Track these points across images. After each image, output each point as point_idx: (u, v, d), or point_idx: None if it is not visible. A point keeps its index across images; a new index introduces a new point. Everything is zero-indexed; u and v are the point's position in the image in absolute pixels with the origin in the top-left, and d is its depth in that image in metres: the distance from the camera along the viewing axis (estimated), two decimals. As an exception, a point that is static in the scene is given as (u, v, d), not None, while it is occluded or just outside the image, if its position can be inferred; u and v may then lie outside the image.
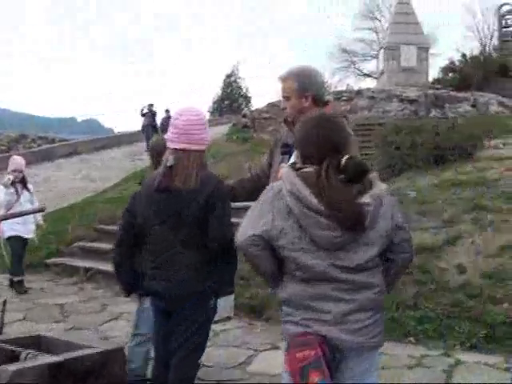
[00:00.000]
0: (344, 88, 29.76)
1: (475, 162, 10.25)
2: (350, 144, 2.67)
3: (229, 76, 50.09)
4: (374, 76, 38.39)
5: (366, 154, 13.58)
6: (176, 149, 3.33)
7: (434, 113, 19.49)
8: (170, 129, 3.39)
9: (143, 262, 3.72)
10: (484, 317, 5.66)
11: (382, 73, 26.35)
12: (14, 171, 8.23)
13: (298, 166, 2.62)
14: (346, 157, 2.50)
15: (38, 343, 3.86)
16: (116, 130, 43.58)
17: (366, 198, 2.45)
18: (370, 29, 47.43)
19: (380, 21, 46.69)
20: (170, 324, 3.38)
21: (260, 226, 2.52)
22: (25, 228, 8.23)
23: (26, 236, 8.33)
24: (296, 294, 2.53)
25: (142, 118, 24.23)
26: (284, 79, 3.58)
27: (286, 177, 2.55)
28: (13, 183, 8.12)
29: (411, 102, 20.88)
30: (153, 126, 23.40)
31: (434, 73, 29.60)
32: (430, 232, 7.45)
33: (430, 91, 21.40)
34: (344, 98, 22.28)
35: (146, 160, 20.92)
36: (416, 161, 10.62)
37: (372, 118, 19.52)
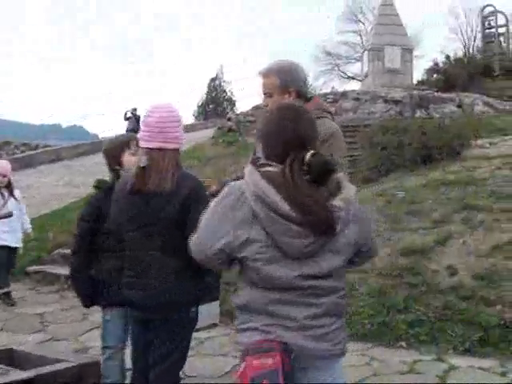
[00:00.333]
0: (329, 91, 29.76)
1: (463, 161, 10.13)
2: (316, 140, 2.43)
3: (213, 79, 49.95)
4: (358, 78, 38.37)
5: (352, 156, 13.60)
6: (150, 148, 3.11)
7: (419, 113, 19.39)
8: (142, 127, 3.17)
9: (103, 269, 3.59)
10: (477, 319, 5.51)
11: (366, 75, 26.29)
12: None
13: (262, 161, 2.38)
14: (309, 153, 2.25)
15: (11, 357, 3.64)
16: (101, 136, 43.27)
17: (336, 202, 2.23)
18: (353, 31, 47.57)
19: (364, 23, 46.84)
20: (149, 335, 3.17)
21: (220, 238, 2.28)
22: (13, 237, 7.87)
23: (14, 245, 7.96)
24: (255, 299, 2.29)
25: (126, 123, 24.01)
26: (265, 75, 3.44)
27: (250, 177, 2.29)
28: None
29: (396, 102, 20.77)
30: (136, 131, 23.15)
31: (418, 75, 29.69)
32: (419, 233, 7.33)
33: (415, 92, 21.34)
34: (329, 100, 22.08)
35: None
36: (403, 161, 10.52)
37: (357, 120, 19.42)
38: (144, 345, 3.21)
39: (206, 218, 2.37)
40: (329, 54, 47.51)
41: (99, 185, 3.79)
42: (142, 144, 3.16)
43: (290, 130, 2.34)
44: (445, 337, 5.44)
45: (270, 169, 2.30)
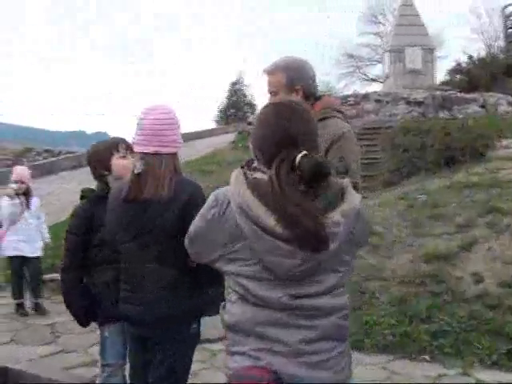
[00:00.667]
0: (350, 93, 29.45)
1: (487, 162, 9.81)
2: (312, 139, 2.14)
3: (234, 84, 49.86)
4: (380, 80, 37.98)
5: (373, 158, 13.33)
6: (145, 153, 2.89)
7: (442, 115, 19.01)
8: (137, 131, 2.94)
9: (98, 283, 3.39)
10: (505, 330, 5.23)
11: (387, 76, 25.92)
12: (17, 182, 7.64)
13: (254, 165, 2.14)
14: (300, 154, 1.99)
15: (5, 375, 3.45)
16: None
17: (334, 215, 1.96)
18: (374, 33, 47.19)
19: (384, 25, 46.40)
20: (147, 353, 2.94)
21: (212, 252, 2.11)
22: (30, 246, 7.70)
23: (31, 255, 7.77)
24: (245, 318, 2.05)
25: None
26: (270, 72, 3.23)
27: (235, 185, 2.04)
28: (16, 195, 7.59)
29: (419, 104, 20.44)
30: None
31: (441, 76, 29.24)
32: (442, 238, 7.05)
33: (438, 93, 20.96)
34: (350, 103, 21.86)
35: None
36: (425, 163, 10.21)
37: (379, 122, 19.14)
38: (143, 363, 2.99)
39: (194, 229, 2.20)
40: (350, 56, 47.14)
41: (85, 194, 3.56)
42: (137, 149, 2.94)
43: (280, 128, 2.09)
44: (470, 349, 5.15)
45: (258, 175, 2.06)
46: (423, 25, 24.87)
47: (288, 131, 2.07)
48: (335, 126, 3.17)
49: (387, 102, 21.24)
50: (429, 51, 24.39)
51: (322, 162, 2.01)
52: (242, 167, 2.18)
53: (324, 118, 3.20)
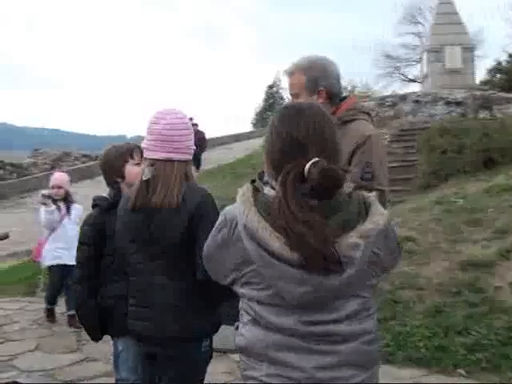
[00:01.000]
0: (388, 94, 29.02)
1: (528, 164, 9.43)
2: (327, 144, 1.88)
3: (271, 87, 49.87)
4: (419, 81, 37.43)
5: (411, 161, 13.01)
6: (155, 159, 2.72)
7: (482, 115, 18.53)
8: (147, 136, 2.78)
9: (111, 295, 3.21)
10: (547, 343, 4.90)
11: (426, 76, 25.45)
12: (53, 187, 7.38)
13: (265, 179, 1.93)
14: (310, 162, 1.75)
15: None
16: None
17: (352, 237, 1.73)
18: (413, 33, 46.62)
19: (423, 25, 45.76)
20: (156, 372, 2.78)
21: (226, 276, 1.94)
22: (70, 253, 7.54)
23: (71, 262, 7.62)
24: (256, 341, 1.86)
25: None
26: (291, 73, 3.06)
27: (241, 203, 1.84)
28: (54, 201, 7.43)
29: (458, 104, 19.99)
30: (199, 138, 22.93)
31: (481, 75, 28.62)
32: (480, 244, 6.76)
33: (478, 92, 20.45)
34: (388, 104, 21.54)
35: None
36: (463, 165, 9.86)
37: (417, 123, 18.76)
38: (151, 381, 2.83)
39: (207, 249, 2.02)
40: (388, 56, 46.64)
41: (98, 202, 3.40)
42: (147, 154, 2.78)
43: (286, 134, 1.87)
44: (509, 364, 4.85)
45: (267, 190, 1.86)
46: (462, 23, 24.34)
47: (295, 137, 1.85)
48: (360, 128, 2.96)
49: (426, 103, 20.86)
50: (468, 50, 23.87)
51: (336, 171, 1.76)
52: (254, 181, 1.98)
53: (349, 121, 2.99)
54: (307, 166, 1.75)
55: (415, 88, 40.41)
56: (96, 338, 3.39)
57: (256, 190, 1.88)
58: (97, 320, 3.28)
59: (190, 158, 2.81)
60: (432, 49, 24.32)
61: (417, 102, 21.15)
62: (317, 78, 2.94)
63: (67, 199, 7.53)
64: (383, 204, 2.97)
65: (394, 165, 13.35)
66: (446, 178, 10.11)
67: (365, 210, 1.81)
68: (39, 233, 7.81)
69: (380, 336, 1.99)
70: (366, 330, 1.86)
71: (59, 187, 7.39)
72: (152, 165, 2.72)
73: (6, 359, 5.96)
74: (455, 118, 17.40)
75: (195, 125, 23.82)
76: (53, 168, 23.65)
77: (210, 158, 22.59)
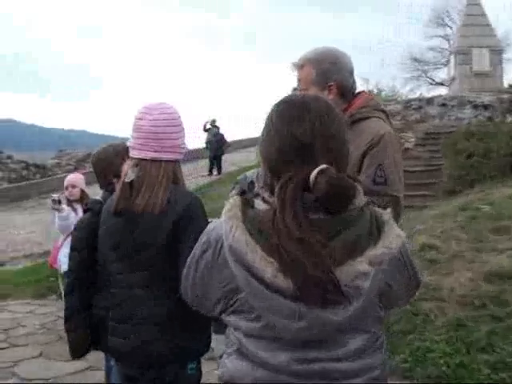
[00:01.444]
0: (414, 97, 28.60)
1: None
2: (341, 150, 1.59)
3: (295, 89, 49.62)
4: (447, 84, 36.96)
5: (436, 165, 12.66)
6: (141, 159, 2.45)
7: (510, 118, 18.07)
8: (132, 133, 2.51)
9: (102, 306, 2.84)
10: None
11: (453, 79, 24.99)
12: (67, 188, 6.95)
13: (256, 190, 1.68)
14: (317, 169, 1.46)
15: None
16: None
17: (361, 263, 1.43)
18: (441, 36, 46.06)
19: (451, 28, 45.16)
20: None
21: (213, 306, 1.62)
22: None
23: None
24: (241, 375, 1.56)
25: (206, 134, 23.76)
26: (299, 66, 2.76)
27: (227, 220, 1.53)
28: (69, 202, 7.09)
29: (486, 107, 19.54)
30: (216, 143, 22.77)
31: (509, 78, 28.07)
32: (506, 254, 6.41)
33: (506, 96, 19.96)
34: (414, 107, 21.16)
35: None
36: (490, 170, 9.50)
37: (443, 127, 18.37)
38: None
39: (187, 277, 1.69)
40: (416, 60, 46.11)
41: (90, 206, 3.13)
42: (133, 154, 2.51)
43: (286, 133, 1.55)
44: (537, 385, 4.51)
45: (257, 204, 1.56)
46: (490, 25, 23.84)
47: (298, 137, 1.53)
48: (374, 127, 2.66)
49: (453, 106, 20.45)
50: (496, 52, 23.36)
51: (343, 179, 1.47)
52: (244, 192, 1.68)
53: (362, 119, 2.70)
54: (313, 173, 1.45)
55: (443, 91, 40.00)
56: (78, 356, 3.10)
57: (246, 204, 1.57)
58: (84, 338, 2.99)
59: (180, 157, 2.52)
60: (459, 51, 23.87)
61: (443, 105, 20.77)
62: (327, 70, 2.67)
63: (83, 200, 7.20)
64: (398, 213, 2.66)
65: (419, 169, 13.03)
66: (472, 183, 9.77)
67: (377, 230, 1.50)
68: (57, 234, 7.59)
69: (389, 367, 1.69)
70: (374, 365, 1.56)
71: (73, 186, 6.97)
72: (136, 165, 2.45)
73: (8, 366, 5.79)
74: (482, 122, 17.00)
75: (216, 127, 23.72)
76: (76, 169, 23.61)
77: (233, 160, 22.54)
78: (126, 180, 2.43)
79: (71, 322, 3.03)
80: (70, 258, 3.08)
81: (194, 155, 22.22)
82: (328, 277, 1.38)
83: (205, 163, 22.27)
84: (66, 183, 7.02)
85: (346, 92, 2.74)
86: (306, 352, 1.49)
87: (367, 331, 1.54)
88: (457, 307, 5.64)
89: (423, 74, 47.43)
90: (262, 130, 1.67)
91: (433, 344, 5.18)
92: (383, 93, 33.01)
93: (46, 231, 7.26)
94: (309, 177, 1.46)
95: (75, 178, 7.26)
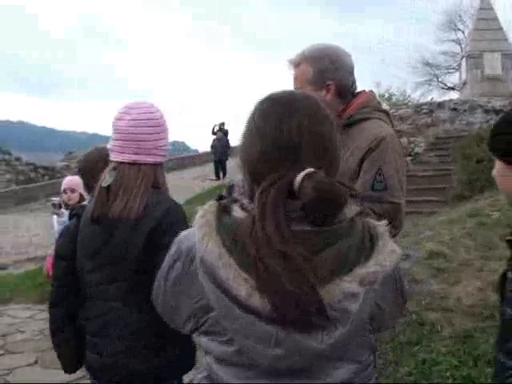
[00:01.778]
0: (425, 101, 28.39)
1: None
2: (332, 153, 1.41)
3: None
4: (458, 89, 36.69)
5: (446, 170, 12.46)
6: (119, 162, 2.29)
7: (522, 123, 17.83)
8: (112, 134, 2.34)
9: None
10: None
11: (464, 83, 24.72)
12: (65, 192, 6.57)
13: (235, 195, 1.43)
14: (303, 173, 1.28)
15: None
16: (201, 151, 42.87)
17: (349, 282, 1.25)
18: (453, 40, 45.75)
19: (463, 32, 44.85)
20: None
21: (184, 323, 1.43)
22: None
23: None
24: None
25: (214, 137, 23.62)
26: (296, 64, 2.59)
27: (200, 227, 1.34)
28: (68, 207, 6.78)
29: (497, 112, 19.24)
30: (224, 146, 22.60)
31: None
32: (517, 263, 6.11)
33: (517, 100, 19.72)
34: (424, 111, 20.95)
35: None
36: (500, 176, 9.31)
37: (454, 131, 18.15)
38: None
39: (157, 290, 1.49)
40: (427, 64, 45.81)
41: (76, 212, 2.95)
42: (112, 157, 2.34)
43: (269, 133, 1.37)
44: (547, 401, 4.29)
45: (236, 212, 1.37)
46: (502, 29, 23.57)
47: (283, 138, 1.36)
48: (375, 128, 2.49)
49: (464, 111, 20.21)
50: (508, 57, 23.06)
51: (332, 185, 1.29)
52: (221, 198, 1.50)
53: (362, 120, 2.53)
54: (299, 177, 1.28)
55: (454, 96, 39.71)
56: (71, 370, 2.92)
57: (222, 211, 1.39)
58: (74, 351, 2.80)
59: (162, 160, 2.36)
60: (471, 55, 23.61)
61: (454, 109, 20.54)
62: (326, 69, 2.51)
63: (83, 205, 6.94)
64: (400, 220, 2.48)
65: (428, 174, 12.84)
66: (482, 188, 9.55)
67: (370, 244, 1.32)
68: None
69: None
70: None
71: (72, 190, 6.70)
72: (115, 169, 2.29)
73: (2, 374, 5.64)
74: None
75: (223, 130, 23.53)
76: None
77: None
78: (103, 185, 2.26)
79: (58, 336, 2.84)
80: (54, 266, 2.90)
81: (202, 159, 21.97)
82: (310, 296, 1.20)
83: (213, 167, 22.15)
84: (63, 186, 6.58)
85: (345, 92, 2.58)
86: (285, 382, 1.30)
87: (357, 361, 1.35)
88: (464, 318, 5.43)
89: (435, 79, 47.16)
90: (242, 131, 1.49)
91: (439, 356, 4.98)
92: (394, 97, 32.78)
93: (48, 235, 7.08)
94: (294, 181, 1.29)
95: (74, 181, 6.88)
